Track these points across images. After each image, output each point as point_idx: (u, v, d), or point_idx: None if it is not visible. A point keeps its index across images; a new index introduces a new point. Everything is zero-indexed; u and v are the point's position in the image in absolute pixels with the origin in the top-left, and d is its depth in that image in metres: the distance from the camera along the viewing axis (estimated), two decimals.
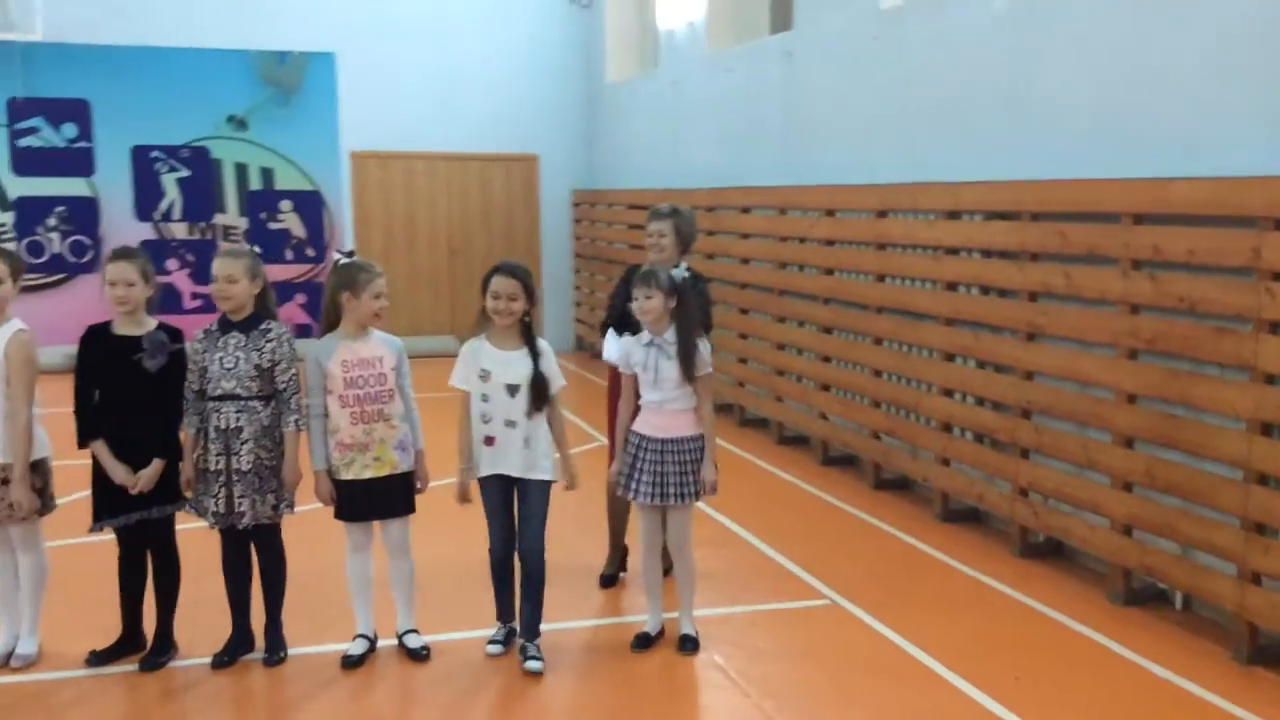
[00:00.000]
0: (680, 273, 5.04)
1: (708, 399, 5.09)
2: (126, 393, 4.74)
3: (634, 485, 5.04)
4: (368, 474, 4.89)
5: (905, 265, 7.49)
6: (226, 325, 4.84)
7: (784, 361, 9.16)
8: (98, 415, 4.77)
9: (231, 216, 12.99)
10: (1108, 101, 5.92)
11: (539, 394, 4.88)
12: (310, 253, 12.95)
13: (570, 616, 5.52)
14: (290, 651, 5.03)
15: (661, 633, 5.25)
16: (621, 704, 4.67)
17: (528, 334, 4.95)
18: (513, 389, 4.88)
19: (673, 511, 5.09)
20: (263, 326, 4.84)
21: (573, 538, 6.42)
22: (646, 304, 4.96)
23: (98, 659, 4.90)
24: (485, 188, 14.17)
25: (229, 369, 4.77)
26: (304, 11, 13.14)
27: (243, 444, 4.75)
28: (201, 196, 12.87)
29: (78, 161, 12.52)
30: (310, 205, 13.09)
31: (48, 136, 12.44)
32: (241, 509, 4.78)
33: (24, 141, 12.37)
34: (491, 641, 5.07)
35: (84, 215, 12.56)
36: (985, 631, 5.41)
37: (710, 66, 10.79)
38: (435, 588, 5.68)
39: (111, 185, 12.57)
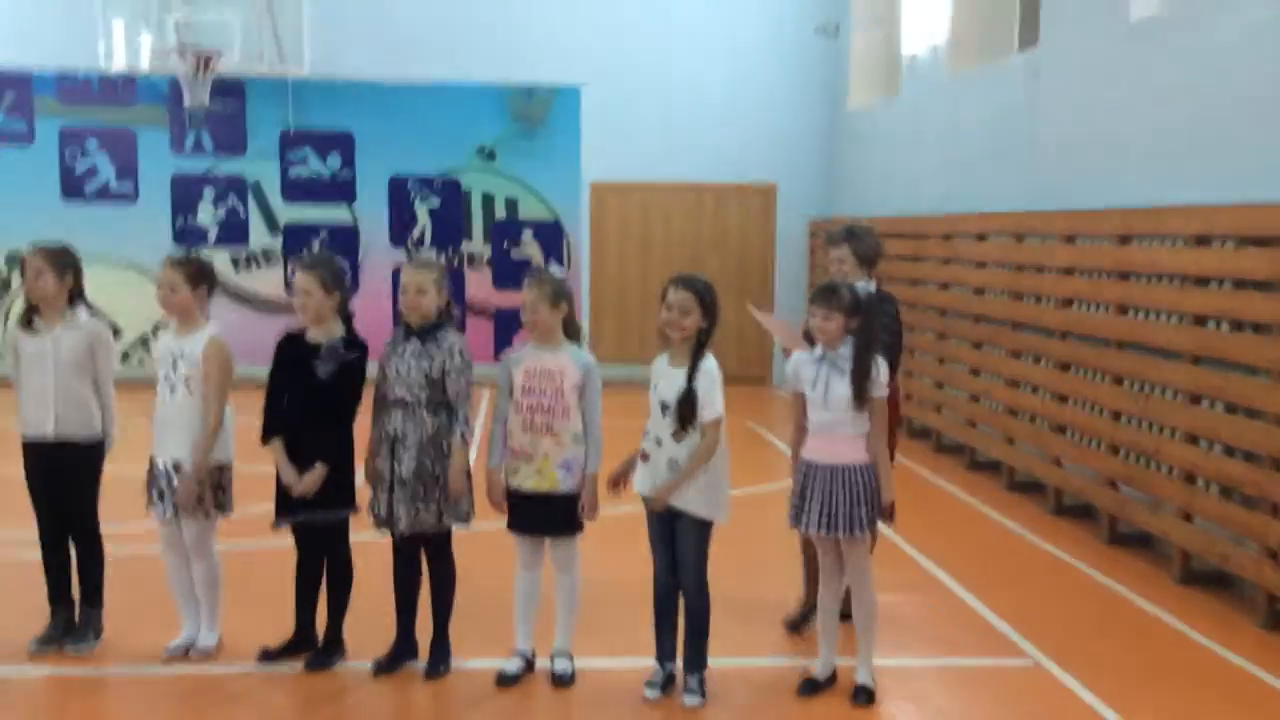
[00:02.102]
0: (865, 286, 4.69)
1: (881, 425, 4.70)
2: (299, 396, 4.83)
3: (805, 517, 4.69)
4: (529, 485, 4.77)
5: (1149, 296, 6.79)
6: (408, 333, 4.85)
7: (1017, 400, 8.52)
8: (280, 416, 4.88)
9: (476, 244, 13.41)
10: None
11: (684, 414, 4.61)
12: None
13: (741, 652, 5.20)
14: (455, 664, 4.95)
15: (834, 679, 4.86)
16: None
17: (698, 353, 4.71)
18: (664, 406, 4.65)
19: (849, 545, 4.71)
20: (438, 335, 4.82)
21: (754, 569, 6.10)
22: (825, 325, 4.63)
23: (269, 656, 4.99)
24: (720, 218, 14.04)
25: (401, 375, 4.78)
26: (553, 47, 13.45)
27: (406, 450, 4.74)
28: (450, 225, 13.36)
29: (341, 190, 13.27)
30: (551, 235, 13.34)
31: (315, 167, 13.25)
32: (398, 515, 4.75)
33: (294, 171, 13.21)
34: (649, 685, 4.77)
35: (345, 241, 13.26)
36: (1218, 715, 4.72)
37: (950, 89, 10.29)
38: (602, 611, 5.50)
39: (370, 213, 13.24)
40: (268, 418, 4.90)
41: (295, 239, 13.20)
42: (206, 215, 13.14)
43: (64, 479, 5.01)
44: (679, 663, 4.79)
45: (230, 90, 12.75)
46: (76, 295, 5.11)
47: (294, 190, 13.21)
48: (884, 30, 12.77)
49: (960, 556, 6.82)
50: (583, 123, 13.28)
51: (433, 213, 13.35)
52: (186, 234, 13.04)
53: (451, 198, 13.34)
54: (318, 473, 4.77)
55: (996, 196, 9.12)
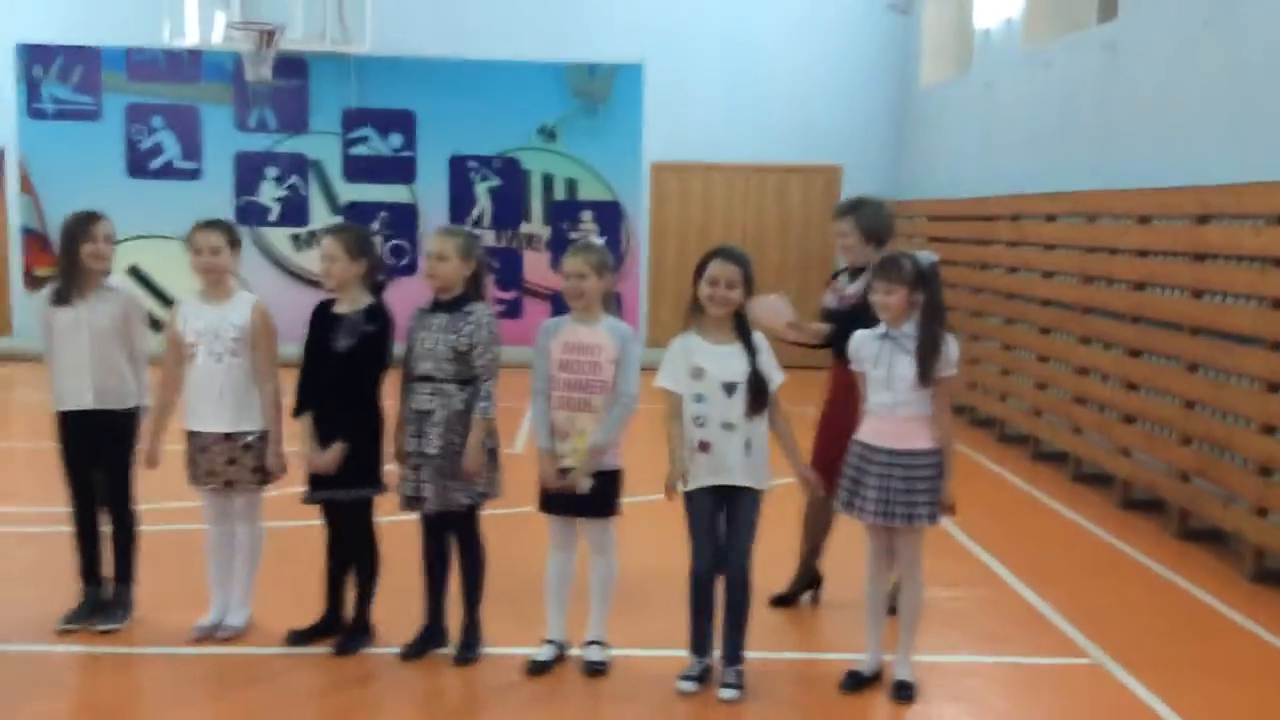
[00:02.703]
0: (929, 257, 4.44)
1: (947, 407, 4.46)
2: (321, 370, 4.71)
3: (858, 502, 4.46)
4: (565, 463, 4.60)
5: (1226, 279, 6.43)
6: (435, 306, 4.71)
7: (1085, 388, 8.17)
8: (311, 390, 4.76)
9: (536, 225, 13.29)
10: None
11: (758, 393, 4.42)
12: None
13: (782, 646, 5.00)
14: (485, 650, 4.80)
15: (879, 675, 4.63)
16: None
17: (742, 327, 4.50)
18: (730, 387, 4.44)
19: (903, 535, 4.48)
20: (466, 309, 4.67)
21: (788, 557, 5.85)
22: (887, 299, 4.39)
23: (297, 638, 4.88)
24: (783, 199, 13.73)
25: (428, 349, 4.63)
26: (615, 24, 13.25)
27: (433, 427, 4.59)
28: (510, 205, 13.25)
29: (401, 169, 13.22)
30: (610, 215, 13.17)
31: (376, 145, 13.20)
32: (424, 494, 4.61)
33: (355, 150, 13.18)
34: (684, 678, 4.56)
35: (404, 220, 13.22)
36: None
37: (1025, 65, 9.90)
38: (634, 599, 5.33)
39: (430, 193, 13.18)
40: (298, 391, 4.79)
41: (356, 219, 13.14)
42: (269, 193, 13.17)
43: (101, 450, 4.96)
44: (715, 655, 4.60)
45: (293, 68, 12.77)
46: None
47: (355, 169, 13.19)
48: (957, 5, 12.38)
49: (1020, 550, 6.53)
50: (644, 101, 13.09)
51: (492, 192, 13.26)
52: (249, 211, 13.08)
53: (511, 177, 13.23)
54: (336, 450, 4.65)
55: (1069, 176, 8.76)
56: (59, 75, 12.93)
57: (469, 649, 4.78)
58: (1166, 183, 7.25)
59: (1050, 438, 8.76)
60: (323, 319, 4.78)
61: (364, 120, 13.13)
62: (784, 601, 5.46)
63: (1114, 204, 7.82)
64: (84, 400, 4.92)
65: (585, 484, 4.58)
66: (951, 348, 4.40)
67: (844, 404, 4.96)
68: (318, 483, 4.75)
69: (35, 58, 12.89)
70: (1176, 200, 6.99)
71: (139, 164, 13.02)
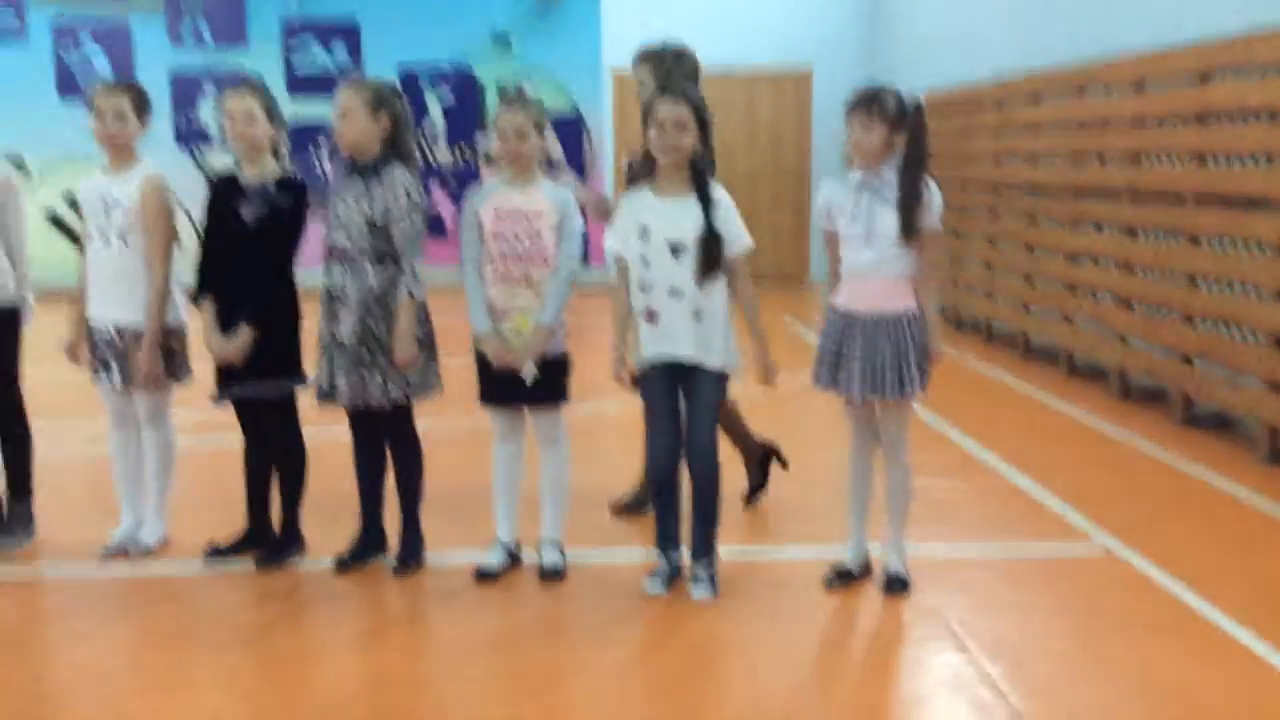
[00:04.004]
0: (914, 96, 3.88)
1: (932, 262, 3.93)
2: (227, 245, 4.13)
3: (840, 376, 3.93)
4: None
5: (1233, 140, 5.91)
6: (350, 171, 4.13)
7: (1077, 275, 7.66)
8: (213, 271, 4.19)
9: (493, 140, 12.60)
10: None
11: (710, 254, 3.88)
12: (568, 178, 12.39)
13: (753, 541, 4.50)
14: (430, 559, 4.29)
15: (868, 569, 4.14)
16: (801, 649, 3.63)
17: (699, 180, 3.95)
18: (676, 248, 3.90)
19: (889, 408, 3.96)
20: (383, 173, 4.08)
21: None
22: (864, 137, 3.83)
23: (217, 553, 4.34)
24: (753, 106, 13.09)
25: (341, 220, 4.06)
26: None
27: (347, 310, 4.02)
28: (464, 118, 12.57)
29: None
30: (570, 129, 12.50)
31: (320, 59, 12.47)
32: (339, 386, 4.06)
33: (298, 63, 12.44)
34: (651, 575, 4.06)
35: None
36: None
37: None
38: (593, 497, 4.85)
39: None
40: (198, 271, 4.22)
41: (301, 137, 12.45)
42: (208, 113, 12.44)
43: None
44: (684, 553, 4.10)
45: None
46: None
47: (298, 85, 12.45)
48: None
49: (1012, 441, 6.06)
50: (603, 5, 12.40)
51: (445, 107, 12.57)
52: (189, 135, 12.37)
53: (464, 89, 12.54)
54: (244, 336, 4.08)
55: (1054, 48, 8.18)
56: None
57: (409, 557, 4.26)
58: (1164, 44, 6.69)
59: (1040, 331, 8.27)
60: (226, 189, 4.20)
61: (306, 30, 12.39)
62: (630, 510, 4.86)
63: (1105, 74, 7.27)
64: None
65: (530, 370, 4.05)
66: (935, 194, 3.86)
67: None
68: (227, 377, 4.19)
69: None
70: (1176, 61, 6.44)
71: (69, 85, 12.25)
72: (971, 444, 5.98)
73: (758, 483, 4.97)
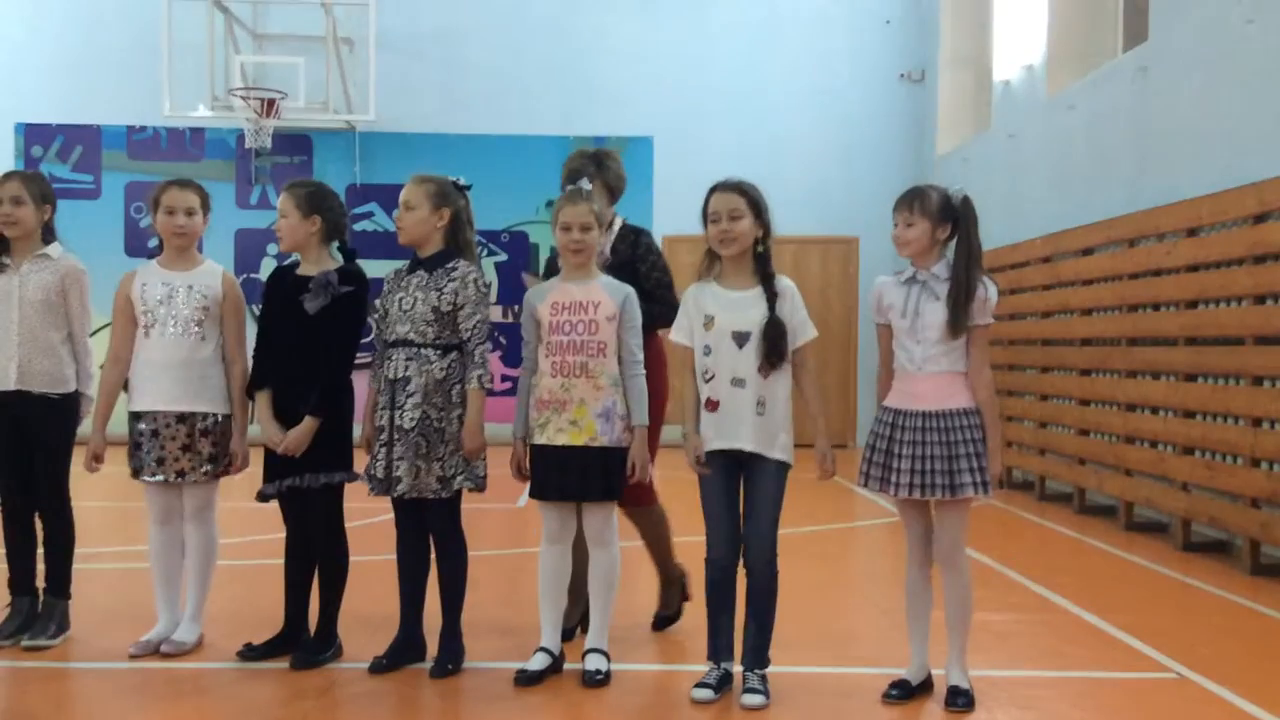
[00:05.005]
0: (960, 192, 3.90)
1: (985, 360, 3.84)
2: (285, 337, 4.15)
3: (890, 476, 3.82)
4: (561, 440, 3.99)
5: None
6: (415, 265, 4.18)
7: (1136, 425, 7.51)
8: (271, 365, 4.19)
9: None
10: None
11: (774, 344, 3.83)
12: None
13: (807, 661, 4.30)
14: (468, 663, 4.12)
15: (929, 685, 3.92)
16: None
17: (764, 270, 3.94)
18: (741, 337, 3.86)
19: (941, 510, 3.83)
20: (449, 265, 4.13)
21: (802, 555, 5.19)
22: (905, 234, 3.84)
23: (252, 652, 4.21)
24: (800, 271, 13.25)
25: (405, 311, 4.09)
26: (625, 97, 12.99)
27: (408, 397, 3.99)
28: (516, 280, 12.81)
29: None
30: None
31: (381, 221, 12.85)
32: (398, 474, 3.99)
33: (360, 226, 12.82)
34: (700, 685, 3.86)
35: None
36: None
37: (1049, 107, 9.50)
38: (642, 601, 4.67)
39: None
40: (255, 363, 4.23)
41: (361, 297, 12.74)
42: (268, 271, 12.77)
43: (27, 439, 4.36)
44: (736, 663, 3.91)
45: (297, 144, 12.54)
46: (49, 231, 4.54)
47: (360, 246, 12.72)
48: (974, 64, 12.09)
49: (1074, 583, 5.81)
50: (655, 175, 12.76)
51: (499, 267, 12.86)
52: (251, 289, 12.67)
53: (518, 252, 12.84)
54: (305, 426, 4.05)
55: (1104, 207, 8.25)
56: (58, 154, 12.72)
57: (448, 661, 4.10)
58: (1216, 189, 6.73)
59: (1098, 486, 8.06)
60: (284, 281, 4.25)
61: (368, 196, 12.82)
62: (661, 624, 4.69)
63: (1158, 222, 7.30)
64: (6, 378, 4.34)
65: (645, 473, 4.05)
66: (990, 290, 3.82)
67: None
68: (278, 471, 4.14)
69: (34, 137, 12.69)
70: (1232, 202, 6.46)
71: (138, 242, 12.67)
72: (1029, 582, 5.76)
73: (673, 611, 4.72)
